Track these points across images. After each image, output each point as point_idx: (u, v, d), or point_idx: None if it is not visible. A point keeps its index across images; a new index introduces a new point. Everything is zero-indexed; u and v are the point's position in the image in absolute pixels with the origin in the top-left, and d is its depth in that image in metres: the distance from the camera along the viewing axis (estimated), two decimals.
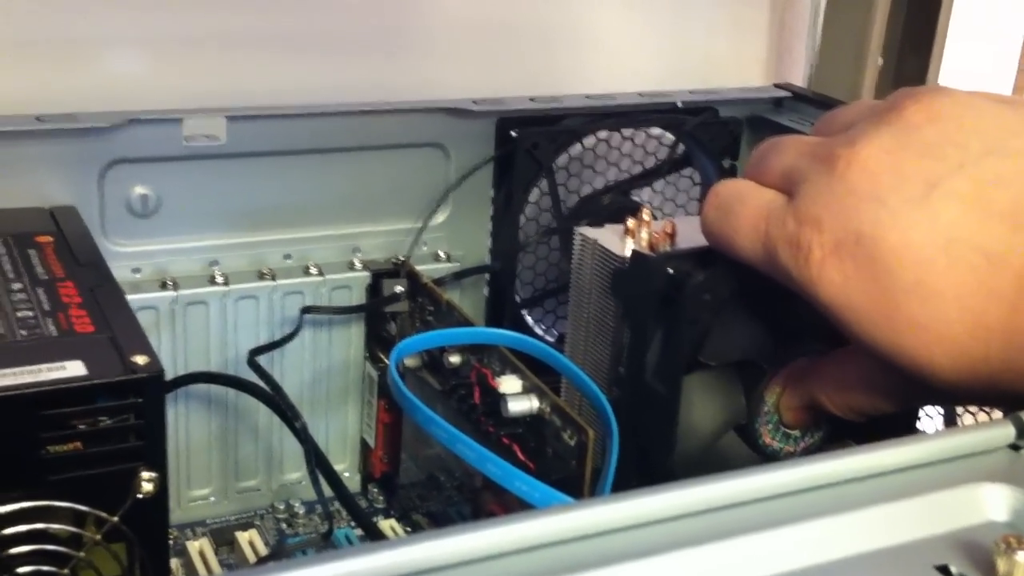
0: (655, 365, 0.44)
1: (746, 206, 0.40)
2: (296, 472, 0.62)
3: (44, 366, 0.38)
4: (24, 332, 0.40)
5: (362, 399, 0.63)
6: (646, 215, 0.47)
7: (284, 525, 0.60)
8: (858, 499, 0.31)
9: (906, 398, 0.41)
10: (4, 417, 0.36)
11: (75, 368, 0.38)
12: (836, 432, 0.46)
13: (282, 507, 0.61)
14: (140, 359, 0.39)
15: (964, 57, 0.77)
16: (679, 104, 0.65)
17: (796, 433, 0.46)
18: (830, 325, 0.38)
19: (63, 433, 0.38)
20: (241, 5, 0.61)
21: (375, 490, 0.63)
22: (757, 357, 0.44)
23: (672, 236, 0.47)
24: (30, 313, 0.42)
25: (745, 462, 0.46)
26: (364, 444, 0.63)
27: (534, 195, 0.62)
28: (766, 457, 0.46)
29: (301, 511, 0.61)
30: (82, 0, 0.57)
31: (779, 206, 0.39)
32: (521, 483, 0.40)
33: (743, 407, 0.45)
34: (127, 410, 0.38)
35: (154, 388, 0.38)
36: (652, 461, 0.45)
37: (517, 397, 0.47)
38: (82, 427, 0.38)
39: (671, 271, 0.43)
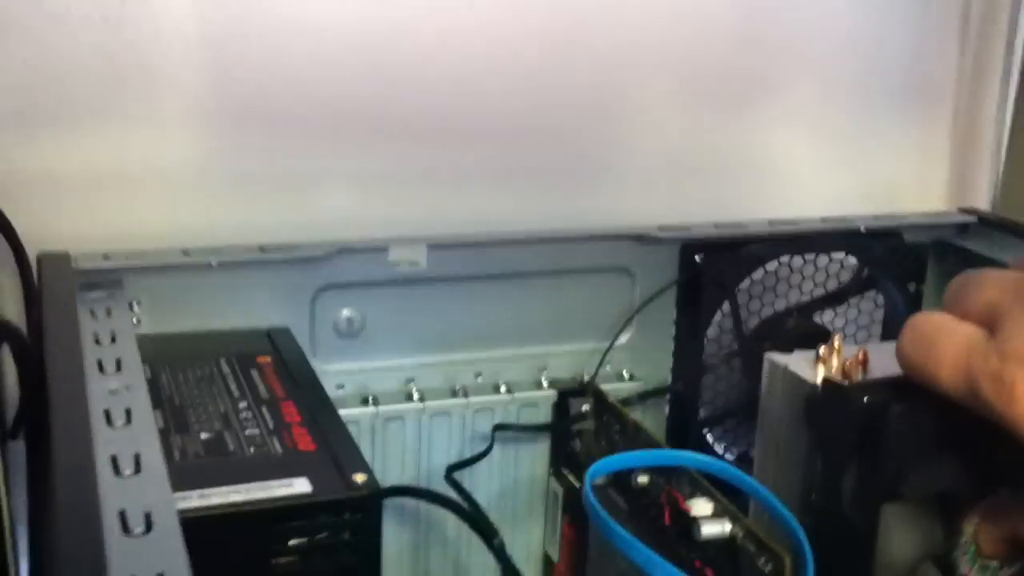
0: (851, 495, 0.44)
1: (947, 340, 0.40)
2: None
3: (273, 483, 0.41)
4: (252, 449, 0.43)
5: (546, 515, 0.64)
6: (837, 342, 0.48)
7: None
8: None
9: None
10: (237, 531, 0.39)
11: (301, 485, 0.41)
12: None
13: None
14: (359, 477, 0.41)
15: None
16: (863, 229, 0.65)
17: (995, 564, 0.45)
18: None
19: (287, 547, 0.40)
20: (443, 142, 0.65)
21: None
22: (957, 489, 0.44)
23: (864, 364, 0.47)
24: (256, 431, 0.45)
25: None
26: (547, 559, 0.65)
27: (716, 317, 0.63)
28: None
29: None
30: (298, 138, 0.62)
31: (981, 341, 0.39)
32: None
33: (940, 538, 0.45)
34: (346, 526, 0.41)
35: (372, 505, 0.41)
36: None
37: (710, 520, 0.48)
38: (304, 541, 0.41)
39: (868, 400, 0.44)
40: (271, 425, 0.45)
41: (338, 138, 0.63)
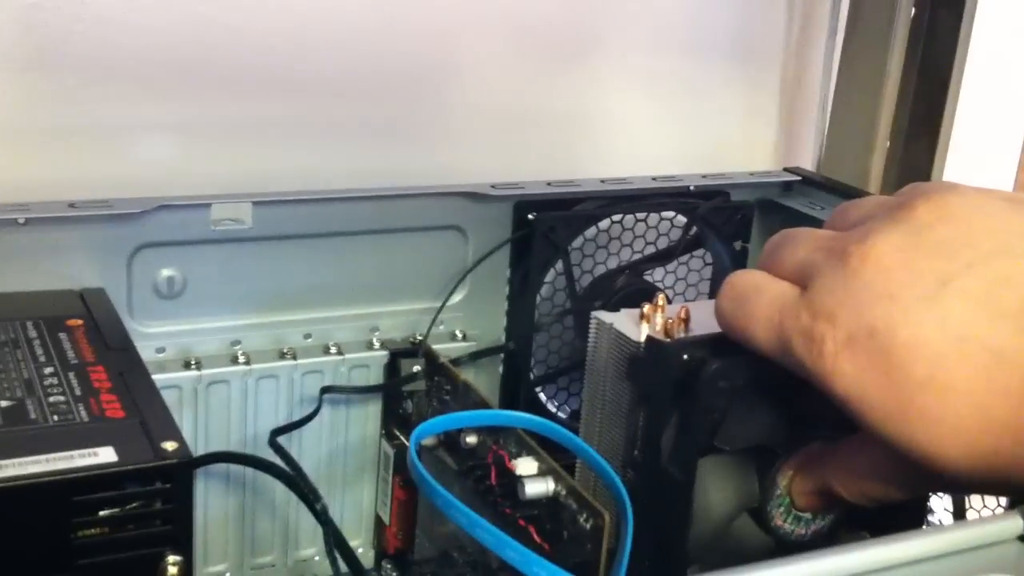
0: (670, 449, 0.45)
1: (760, 297, 0.41)
2: (311, 548, 0.62)
3: (76, 452, 0.39)
4: (56, 417, 0.41)
5: (377, 476, 0.63)
6: (661, 300, 0.48)
7: None
8: None
9: (917, 487, 0.42)
10: (38, 504, 0.37)
11: (107, 454, 0.39)
12: (847, 516, 0.47)
13: None
14: (169, 445, 0.40)
15: (971, 142, 0.79)
16: (692, 188, 0.66)
17: (807, 516, 0.46)
18: (842, 413, 0.39)
19: (93, 518, 0.39)
20: (267, 94, 0.63)
21: (388, 566, 0.64)
22: (771, 442, 0.45)
23: (687, 322, 0.48)
24: (62, 398, 0.43)
25: (757, 544, 0.46)
26: (379, 520, 0.64)
27: (549, 275, 0.63)
28: (777, 539, 0.46)
29: None
30: (114, 89, 0.59)
31: (793, 299, 0.40)
32: (540, 569, 0.40)
33: (756, 491, 0.46)
34: (156, 495, 0.39)
35: (183, 474, 0.39)
36: (667, 544, 0.45)
37: (534, 479, 0.48)
38: (111, 512, 0.39)
39: (687, 358, 0.44)
40: (78, 392, 0.43)
41: (157, 88, 0.60)
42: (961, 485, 0.38)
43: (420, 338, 0.62)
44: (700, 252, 0.67)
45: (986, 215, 0.38)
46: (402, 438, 0.61)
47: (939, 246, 0.37)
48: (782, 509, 0.46)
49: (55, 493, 0.37)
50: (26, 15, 0.56)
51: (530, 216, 0.62)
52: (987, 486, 0.38)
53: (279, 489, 0.59)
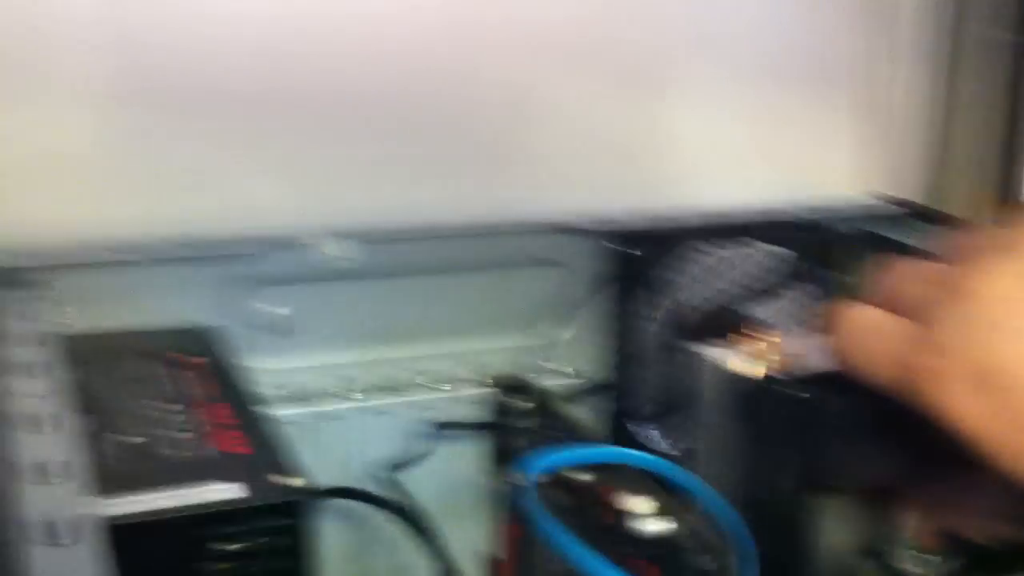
0: (788, 489, 0.45)
1: (879, 335, 0.40)
2: None
3: (206, 487, 0.40)
4: (184, 453, 0.42)
5: (489, 514, 0.63)
6: (775, 337, 0.48)
7: None
8: None
9: None
10: (168, 537, 0.38)
11: (235, 490, 0.40)
12: (974, 557, 0.46)
13: None
14: (295, 481, 0.40)
15: None
16: (795, 220, 0.66)
17: (933, 558, 0.45)
18: (968, 452, 0.38)
19: (221, 551, 0.39)
20: (363, 131, 0.64)
21: None
22: (894, 482, 0.44)
23: (799, 358, 0.47)
24: (189, 434, 0.44)
25: None
26: (493, 559, 0.64)
27: (651, 309, 0.63)
28: None
29: None
30: (217, 126, 0.60)
31: (912, 335, 0.39)
32: None
33: (880, 533, 0.45)
34: (282, 531, 0.40)
35: (308, 509, 0.40)
36: None
37: (651, 518, 0.48)
38: (238, 546, 0.40)
39: (803, 395, 0.44)
40: (204, 428, 0.44)
41: (247, 126, 0.61)
42: None
43: (529, 376, 0.62)
44: (803, 285, 0.66)
45: None
46: (512, 475, 0.61)
47: None
48: (907, 551, 0.45)
49: (186, 527, 0.38)
50: (127, 55, 0.57)
51: (637, 252, 0.62)
52: None
53: (393, 527, 0.60)
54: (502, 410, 0.61)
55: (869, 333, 0.41)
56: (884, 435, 0.44)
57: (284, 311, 0.57)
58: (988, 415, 0.36)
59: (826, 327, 0.43)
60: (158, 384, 0.48)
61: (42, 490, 0.33)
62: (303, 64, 0.61)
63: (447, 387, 0.60)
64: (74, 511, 0.32)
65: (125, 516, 0.37)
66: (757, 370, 0.47)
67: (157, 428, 0.44)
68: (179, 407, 0.46)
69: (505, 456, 0.62)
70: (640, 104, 0.70)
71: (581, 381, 0.64)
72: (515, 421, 0.60)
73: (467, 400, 0.61)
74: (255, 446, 0.43)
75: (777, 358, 0.47)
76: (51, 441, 0.36)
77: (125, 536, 0.37)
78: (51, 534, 0.30)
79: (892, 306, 0.41)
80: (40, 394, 0.39)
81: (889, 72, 0.76)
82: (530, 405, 0.60)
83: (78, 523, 0.31)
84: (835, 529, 0.45)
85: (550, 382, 0.62)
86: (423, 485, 0.61)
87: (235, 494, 0.39)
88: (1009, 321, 0.36)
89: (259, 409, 0.47)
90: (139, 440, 0.43)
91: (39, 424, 0.37)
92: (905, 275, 0.42)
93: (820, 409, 0.43)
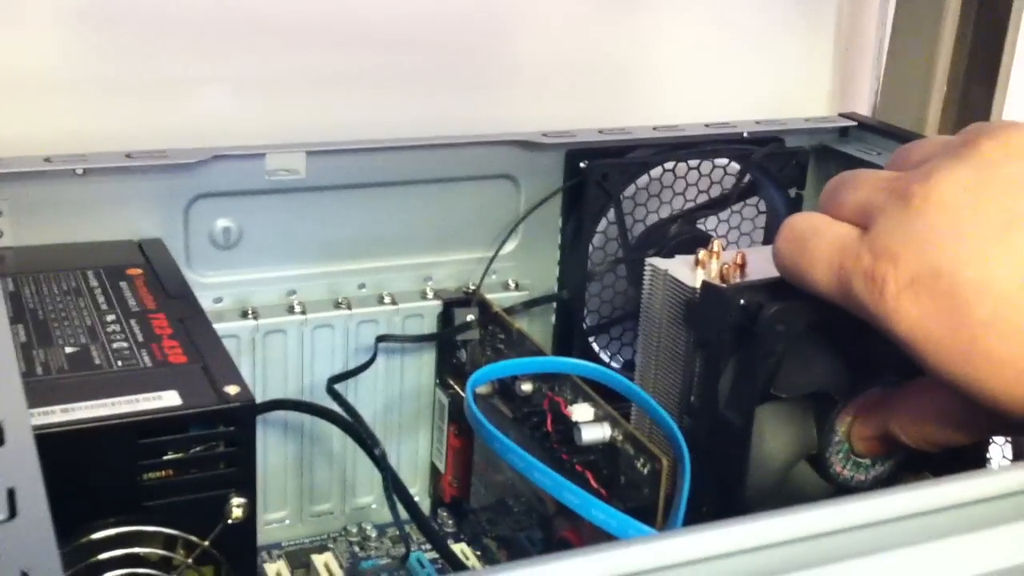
0: (728, 395, 0.45)
1: (820, 239, 0.40)
2: (368, 496, 0.63)
3: (141, 396, 0.39)
4: (120, 363, 0.42)
5: (432, 425, 0.64)
6: (717, 246, 0.48)
7: (357, 548, 0.62)
8: (931, 532, 0.31)
9: (980, 430, 0.42)
10: (103, 446, 0.38)
11: (171, 398, 0.39)
12: (907, 461, 0.47)
13: (355, 530, 0.62)
14: (232, 389, 0.40)
15: None
16: (746, 134, 0.66)
17: (867, 462, 0.46)
18: (904, 357, 0.38)
19: (158, 461, 0.39)
20: (318, 44, 0.63)
21: (444, 514, 0.64)
22: (830, 388, 0.45)
23: (743, 267, 0.47)
24: (125, 344, 0.43)
25: (817, 491, 0.46)
26: (434, 469, 0.65)
27: (601, 224, 0.63)
28: (837, 486, 0.46)
29: (373, 534, 0.62)
30: (169, 41, 0.60)
31: (854, 240, 0.39)
32: (599, 512, 0.41)
33: (815, 437, 0.45)
34: (219, 438, 0.40)
35: (246, 417, 0.40)
36: (725, 490, 0.45)
37: (590, 425, 0.48)
38: (176, 455, 0.40)
39: (744, 302, 0.44)
40: (141, 338, 0.44)
41: (211, 41, 0.60)
42: None
43: (473, 287, 0.62)
44: (754, 200, 0.66)
45: None
46: (456, 387, 0.61)
47: (1006, 184, 0.36)
48: (841, 455, 0.46)
49: (122, 436, 0.38)
50: None
51: (582, 164, 0.61)
52: None
53: (336, 437, 0.60)
54: (447, 323, 0.61)
55: (810, 237, 0.41)
56: (821, 341, 0.45)
57: (227, 223, 0.56)
58: (923, 317, 0.36)
59: (772, 237, 0.43)
60: (94, 295, 0.47)
61: None
62: None
63: (388, 299, 0.60)
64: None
65: (56, 424, 0.37)
66: (697, 278, 0.47)
67: (92, 339, 0.43)
68: (113, 317, 0.45)
69: (450, 369, 0.62)
70: (610, 23, 0.69)
71: (527, 293, 0.64)
72: (459, 333, 0.60)
73: (411, 312, 0.60)
74: (192, 356, 0.43)
75: (718, 267, 0.48)
76: None
77: (56, 445, 0.37)
78: None
79: (836, 213, 0.41)
80: None
81: None
82: (475, 317, 0.60)
83: (1, 428, 0.30)
84: (772, 436, 0.46)
85: (496, 295, 0.62)
86: (368, 398, 0.61)
87: (169, 402, 0.39)
88: (950, 226, 0.36)
89: (198, 320, 0.46)
90: (72, 351, 0.42)
91: None
92: (851, 183, 0.42)
93: (756, 315, 0.43)
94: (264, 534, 0.61)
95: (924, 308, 0.36)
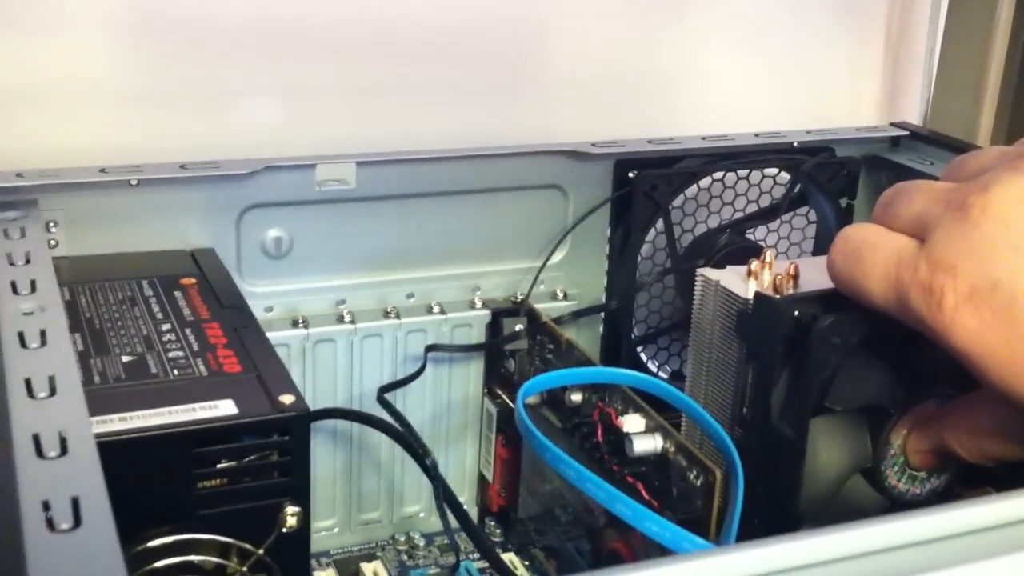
0: (781, 408, 0.45)
1: (876, 251, 0.40)
2: (416, 505, 0.63)
3: (197, 405, 0.40)
4: (176, 372, 0.42)
5: (480, 434, 0.64)
6: (769, 256, 0.48)
7: (405, 556, 0.62)
8: (992, 548, 0.31)
9: None
10: (161, 454, 0.38)
11: (226, 407, 0.40)
12: (964, 475, 0.46)
13: (402, 539, 0.63)
14: (287, 398, 0.40)
15: None
16: (795, 144, 0.65)
17: (923, 475, 0.46)
18: (960, 370, 0.38)
19: (213, 469, 0.40)
20: (363, 55, 0.64)
21: (492, 523, 0.64)
22: (884, 401, 0.44)
23: (796, 278, 0.47)
24: (180, 353, 0.44)
25: (871, 505, 0.46)
26: (482, 478, 0.65)
27: (650, 234, 0.63)
28: (892, 499, 0.46)
29: (421, 543, 0.62)
30: (219, 52, 0.60)
31: (911, 251, 0.39)
32: (652, 524, 0.40)
33: (869, 450, 0.45)
34: (274, 447, 0.40)
35: (300, 426, 0.40)
36: (777, 504, 0.45)
37: (642, 436, 0.48)
38: (231, 463, 0.40)
39: (797, 314, 0.44)
40: (195, 347, 0.44)
41: (261, 52, 0.61)
42: None
43: (522, 297, 0.62)
44: (804, 210, 0.65)
45: None
46: (504, 397, 0.61)
47: None
48: (896, 468, 0.45)
49: (177, 444, 0.38)
50: None
51: (631, 174, 0.61)
52: None
53: (384, 446, 0.60)
54: (495, 332, 0.61)
55: (866, 248, 0.41)
56: (876, 354, 0.44)
57: (278, 233, 0.57)
58: (982, 329, 0.36)
59: (826, 248, 0.43)
60: (148, 305, 0.48)
61: (27, 404, 0.33)
62: None
63: (437, 309, 0.60)
64: (60, 425, 0.31)
65: (114, 432, 0.37)
66: (749, 289, 0.47)
67: (148, 348, 0.44)
68: (168, 326, 0.46)
69: (498, 379, 0.62)
70: (656, 32, 0.69)
71: (575, 303, 0.63)
72: (508, 343, 0.60)
73: (460, 322, 0.61)
74: (247, 365, 0.43)
75: (770, 278, 0.47)
76: (37, 358, 0.36)
77: (114, 453, 0.37)
78: (37, 447, 0.30)
79: (891, 224, 0.41)
80: (27, 311, 0.39)
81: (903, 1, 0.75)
82: (523, 327, 0.60)
83: (64, 437, 0.31)
84: (826, 448, 0.45)
85: (544, 305, 0.62)
86: (417, 408, 0.61)
87: (225, 411, 0.39)
88: (1009, 238, 0.36)
89: (252, 329, 0.47)
90: (129, 359, 0.43)
91: (25, 341, 0.37)
92: (907, 194, 0.41)
93: (810, 326, 0.43)
94: (313, 542, 0.60)
95: (983, 320, 0.36)
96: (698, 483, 0.45)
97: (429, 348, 0.59)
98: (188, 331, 0.46)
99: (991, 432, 0.41)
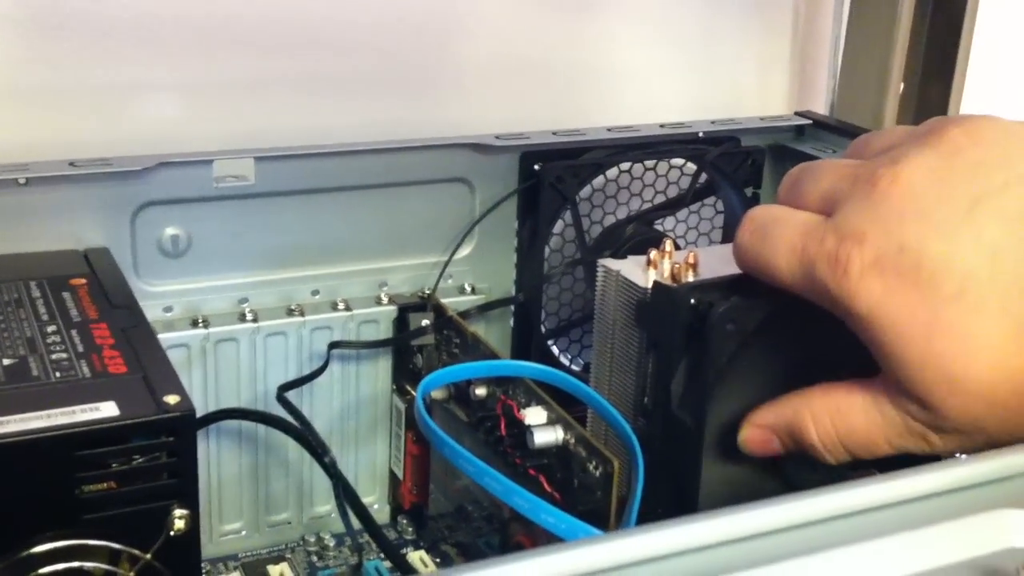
0: (680, 396, 0.45)
1: (783, 227, 0.40)
2: (326, 505, 0.62)
3: (78, 407, 0.39)
4: (58, 374, 0.41)
5: (390, 432, 0.63)
6: (668, 246, 0.48)
7: (315, 558, 0.61)
8: (881, 527, 0.31)
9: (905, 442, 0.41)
10: (40, 459, 0.37)
11: (108, 409, 0.39)
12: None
13: (312, 540, 0.62)
14: (171, 399, 0.39)
15: (986, 83, 0.77)
16: (701, 134, 0.65)
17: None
18: (862, 357, 0.38)
19: (97, 473, 0.38)
20: (267, 49, 0.63)
21: (404, 521, 0.64)
22: (783, 390, 0.44)
23: (695, 266, 0.47)
24: (64, 355, 0.42)
25: (771, 491, 0.46)
26: (393, 476, 0.64)
27: (558, 227, 0.62)
28: (790, 484, 0.46)
29: (331, 543, 0.62)
30: (113, 47, 0.59)
31: (818, 224, 0.39)
32: (548, 515, 0.40)
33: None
34: (159, 449, 0.39)
35: (186, 427, 0.39)
36: (679, 491, 0.45)
37: (543, 428, 0.48)
38: (116, 466, 0.39)
39: (694, 302, 0.44)
40: (81, 348, 0.43)
41: (157, 46, 0.59)
42: (965, 425, 0.37)
43: (428, 292, 0.61)
44: (711, 200, 0.66)
45: (1018, 139, 0.37)
46: (413, 393, 0.61)
47: (973, 168, 0.37)
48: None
49: (57, 448, 0.37)
50: None
51: (536, 166, 0.61)
52: (1005, 418, 0.37)
53: (291, 446, 0.59)
54: (402, 328, 0.61)
55: (773, 225, 0.41)
56: (775, 344, 0.44)
57: (175, 231, 0.56)
58: (886, 294, 0.36)
59: (730, 236, 0.43)
60: (35, 306, 0.46)
61: None
62: None
63: (342, 306, 0.59)
64: None
65: None
66: (648, 279, 0.47)
67: (31, 350, 0.43)
68: (54, 328, 0.44)
69: (406, 375, 0.61)
70: (564, 23, 0.69)
71: (483, 297, 0.63)
72: (414, 339, 0.59)
73: (366, 318, 0.60)
74: (133, 366, 0.42)
75: (670, 267, 0.47)
76: None
77: None
78: None
79: (798, 203, 0.41)
80: None
81: None
82: (429, 322, 0.59)
83: None
84: (726, 435, 0.45)
85: (452, 299, 0.61)
86: (324, 406, 0.60)
87: (106, 413, 0.38)
88: (916, 206, 0.36)
89: (141, 329, 0.45)
90: (9, 362, 0.42)
91: None
92: (813, 172, 0.41)
93: (709, 314, 0.42)
94: (220, 545, 0.60)
95: (887, 285, 0.36)
96: (597, 473, 0.45)
97: (333, 345, 0.58)
98: (74, 332, 0.44)
99: (858, 419, 0.40)
